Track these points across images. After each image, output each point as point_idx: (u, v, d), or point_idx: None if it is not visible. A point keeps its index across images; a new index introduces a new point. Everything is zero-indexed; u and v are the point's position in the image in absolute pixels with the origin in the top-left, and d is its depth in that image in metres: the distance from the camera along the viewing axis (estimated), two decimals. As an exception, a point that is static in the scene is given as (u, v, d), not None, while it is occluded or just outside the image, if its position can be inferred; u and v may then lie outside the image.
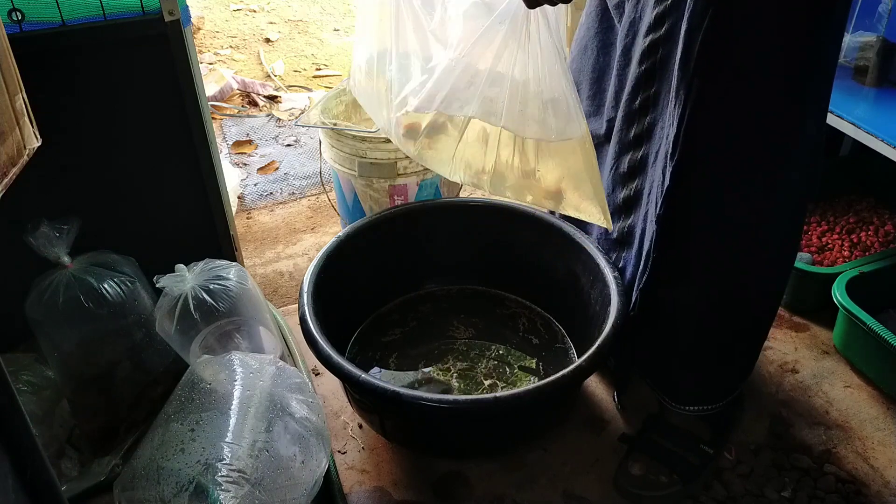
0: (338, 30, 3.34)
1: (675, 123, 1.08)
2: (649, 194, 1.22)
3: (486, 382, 1.40)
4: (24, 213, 1.19)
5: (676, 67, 1.06)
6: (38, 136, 0.83)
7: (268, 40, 3.17)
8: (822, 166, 1.16)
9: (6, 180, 0.74)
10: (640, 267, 1.23)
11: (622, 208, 1.29)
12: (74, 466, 1.24)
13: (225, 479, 0.96)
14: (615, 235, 1.33)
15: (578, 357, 1.24)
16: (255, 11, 3.47)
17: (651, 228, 1.17)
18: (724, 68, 1.03)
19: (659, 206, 1.14)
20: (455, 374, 1.42)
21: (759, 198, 1.12)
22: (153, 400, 1.33)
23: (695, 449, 1.28)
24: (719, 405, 1.29)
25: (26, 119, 0.80)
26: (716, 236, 1.15)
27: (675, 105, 1.08)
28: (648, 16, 1.14)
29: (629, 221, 1.29)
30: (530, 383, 1.39)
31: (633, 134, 1.23)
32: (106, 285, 1.26)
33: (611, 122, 1.29)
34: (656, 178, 1.18)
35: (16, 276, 1.23)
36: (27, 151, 0.80)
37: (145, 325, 1.32)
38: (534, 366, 1.44)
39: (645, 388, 1.37)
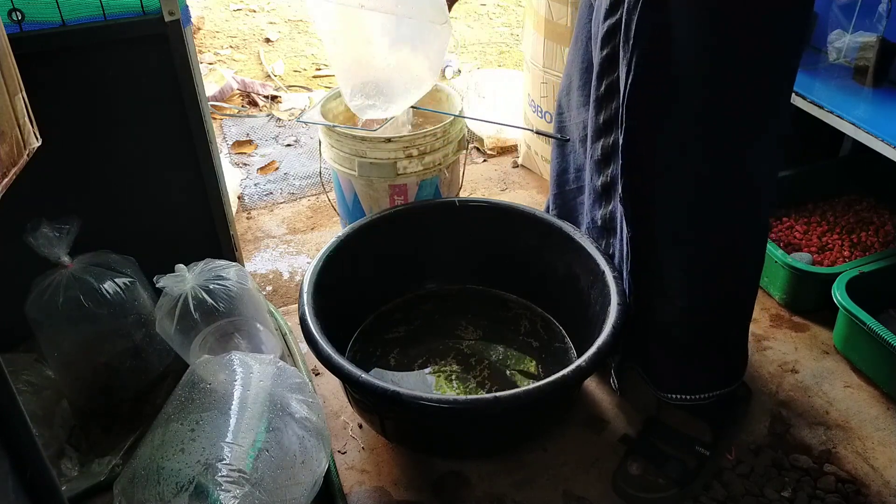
0: (338, 30, 3.33)
1: (621, 100, 1.12)
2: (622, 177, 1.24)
3: (485, 385, 1.40)
4: (24, 213, 1.19)
5: (621, 45, 1.10)
6: (38, 136, 0.83)
7: (268, 40, 3.17)
8: (780, 139, 1.15)
9: (6, 180, 0.74)
10: (625, 251, 1.25)
11: (602, 195, 1.31)
12: (74, 466, 1.24)
13: (225, 479, 0.96)
14: (599, 223, 1.34)
15: (578, 357, 1.24)
16: (255, 11, 3.47)
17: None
18: (661, 39, 1.06)
19: (620, 187, 1.17)
20: (452, 375, 1.42)
21: (708, 166, 1.13)
22: (153, 400, 1.33)
23: (691, 451, 1.29)
24: (703, 397, 1.29)
25: (26, 119, 0.80)
26: (672, 210, 1.17)
27: (621, 82, 1.12)
28: (605, 1, 1.16)
29: (610, 207, 1.31)
30: (529, 384, 1.39)
31: (602, 120, 1.25)
32: (106, 285, 1.26)
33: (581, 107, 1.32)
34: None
35: (16, 276, 1.23)
36: (27, 151, 0.80)
37: (145, 325, 1.32)
38: (532, 369, 1.44)
39: (645, 387, 1.37)
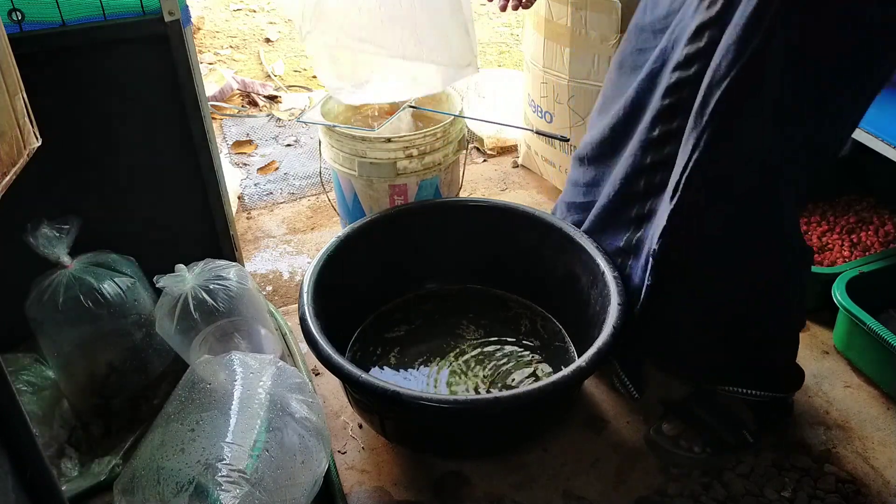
0: (338, 30, 3.33)
1: (680, 170, 1.12)
2: (660, 215, 1.25)
3: (484, 384, 1.40)
4: (24, 213, 1.19)
5: (693, 114, 1.09)
6: (38, 136, 0.83)
7: (268, 40, 3.17)
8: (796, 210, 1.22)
9: (6, 180, 0.74)
10: (646, 279, 1.26)
11: (633, 221, 1.31)
12: (74, 466, 1.24)
13: (225, 479, 0.96)
14: (621, 244, 1.33)
15: (578, 357, 1.24)
16: (255, 11, 3.47)
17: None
18: (734, 129, 1.07)
19: (656, 243, 1.19)
20: (453, 374, 1.42)
21: (756, 265, 1.18)
22: (153, 400, 1.33)
23: (737, 432, 1.31)
24: (756, 395, 1.30)
25: (26, 119, 0.80)
26: (703, 270, 1.22)
27: (683, 150, 1.12)
28: (679, 52, 1.15)
29: (639, 234, 1.31)
30: (529, 384, 1.39)
31: (649, 160, 1.24)
32: (106, 285, 1.26)
33: (615, 133, 1.32)
34: (663, 208, 1.21)
35: (16, 276, 1.23)
36: (27, 151, 0.80)
37: (145, 325, 1.32)
38: (532, 369, 1.44)
39: (657, 378, 1.38)
